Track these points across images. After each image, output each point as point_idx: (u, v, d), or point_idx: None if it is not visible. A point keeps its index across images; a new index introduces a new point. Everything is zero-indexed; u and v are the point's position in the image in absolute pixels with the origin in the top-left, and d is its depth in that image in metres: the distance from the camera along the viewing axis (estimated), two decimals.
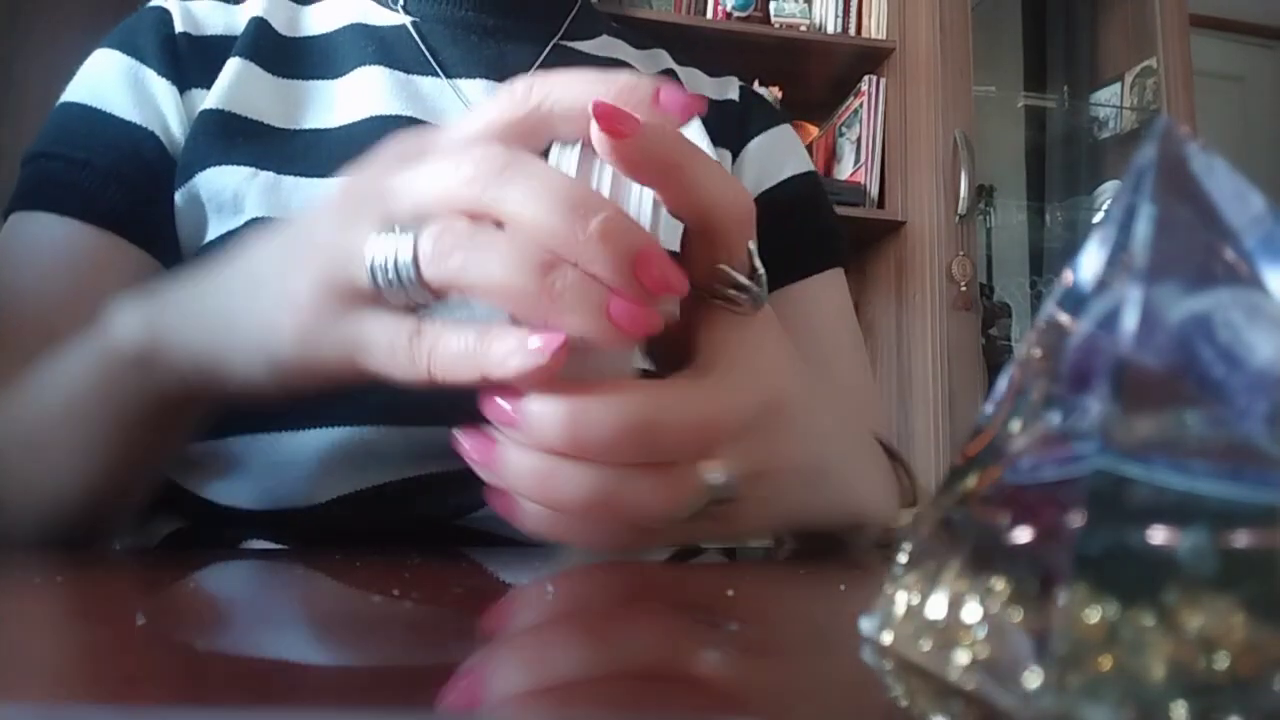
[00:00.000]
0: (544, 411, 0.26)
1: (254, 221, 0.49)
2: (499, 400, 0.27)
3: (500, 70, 0.58)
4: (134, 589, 0.28)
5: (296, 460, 0.45)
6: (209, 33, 0.56)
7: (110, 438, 0.39)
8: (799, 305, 0.62)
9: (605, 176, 0.29)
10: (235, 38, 0.56)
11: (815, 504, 0.36)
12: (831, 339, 0.62)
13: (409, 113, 0.53)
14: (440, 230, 0.27)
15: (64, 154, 0.51)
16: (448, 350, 0.28)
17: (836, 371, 0.61)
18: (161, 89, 0.53)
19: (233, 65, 0.54)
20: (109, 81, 0.53)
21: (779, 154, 0.66)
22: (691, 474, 0.28)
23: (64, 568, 0.32)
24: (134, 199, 0.51)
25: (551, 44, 0.61)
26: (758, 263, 0.30)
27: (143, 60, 0.54)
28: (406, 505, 0.46)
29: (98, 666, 0.17)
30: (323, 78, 0.56)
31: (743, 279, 0.30)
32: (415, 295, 0.28)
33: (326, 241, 0.30)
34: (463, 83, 0.57)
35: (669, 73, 0.67)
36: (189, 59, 0.55)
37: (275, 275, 0.32)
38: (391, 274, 0.28)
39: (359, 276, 0.29)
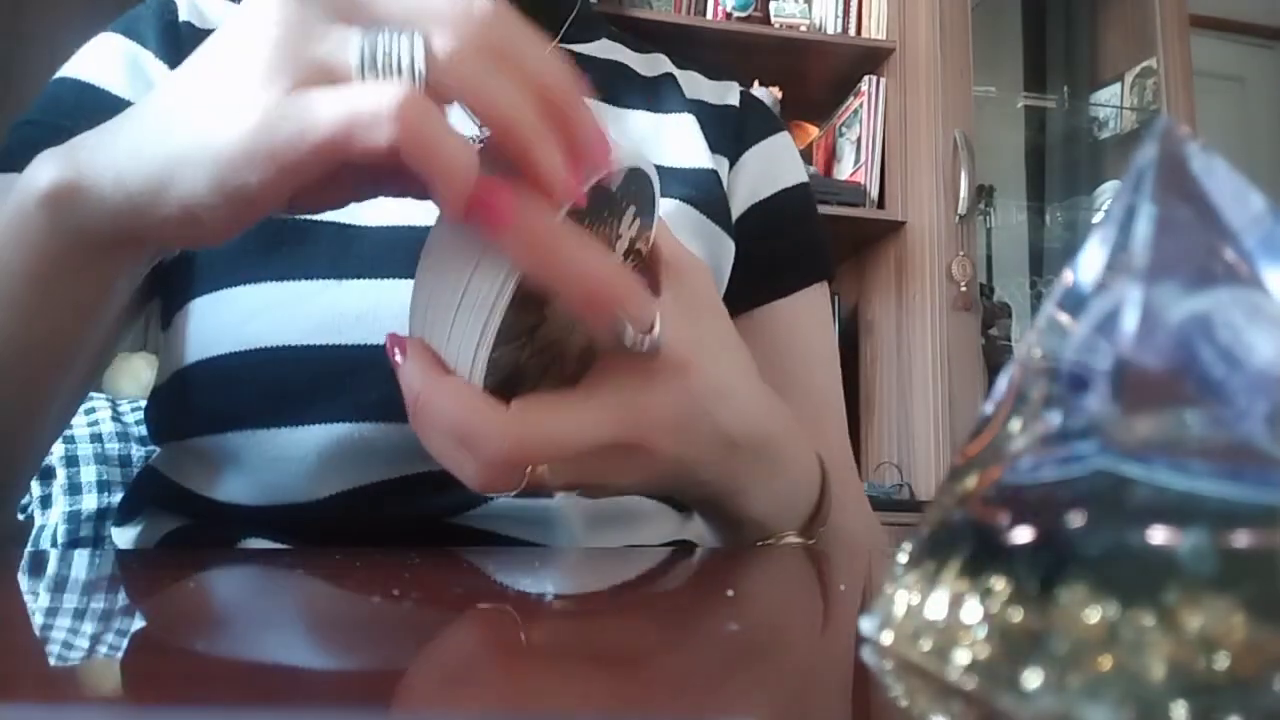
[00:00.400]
0: (407, 374, 0.31)
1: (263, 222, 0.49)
2: (395, 346, 0.31)
3: None
4: (133, 588, 0.28)
5: (295, 456, 0.45)
6: (213, 26, 0.56)
7: (22, 296, 0.36)
8: (780, 322, 0.63)
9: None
10: None
11: (675, 492, 0.39)
12: (805, 357, 0.63)
13: None
14: (459, 35, 0.28)
15: (50, 122, 0.51)
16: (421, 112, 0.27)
17: (808, 387, 0.62)
18: (159, 73, 0.53)
19: None
20: (106, 61, 0.53)
21: (773, 165, 0.66)
22: (513, 471, 0.31)
23: (62, 567, 0.32)
24: None
25: (549, 49, 0.61)
26: (627, 335, 0.32)
27: (143, 44, 0.54)
28: (405, 502, 0.46)
29: (98, 667, 0.17)
30: None
31: (607, 342, 0.32)
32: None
33: (290, 29, 0.28)
34: None
35: (668, 76, 0.67)
36: (190, 48, 0.55)
37: (225, 71, 0.29)
38: (389, 66, 0.27)
39: (339, 64, 0.28)
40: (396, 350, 0.31)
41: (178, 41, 0.54)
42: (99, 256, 0.35)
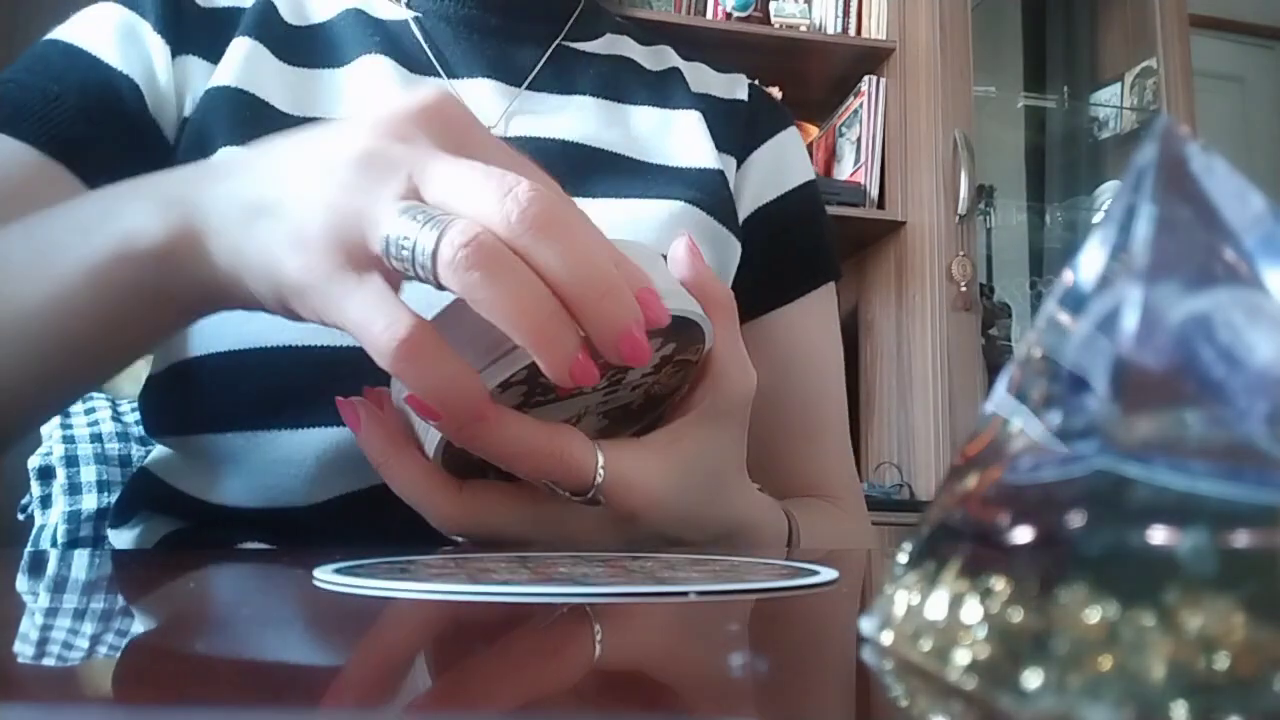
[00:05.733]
0: (367, 444, 0.36)
1: None
2: (350, 413, 0.36)
3: (503, 70, 0.58)
4: (132, 589, 0.28)
5: (295, 459, 0.45)
6: (216, 5, 0.56)
7: (77, 333, 0.36)
8: (785, 329, 0.63)
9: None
10: (242, 10, 0.56)
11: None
12: (809, 365, 0.64)
13: None
14: (468, 240, 0.28)
15: (38, 85, 0.50)
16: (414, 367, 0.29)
17: (810, 398, 0.63)
18: (156, 45, 0.53)
19: (243, 44, 0.54)
20: (101, 29, 0.53)
21: (780, 165, 0.66)
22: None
23: (60, 567, 0.32)
24: (100, 140, 0.50)
25: (554, 45, 0.61)
26: (562, 494, 0.35)
27: (142, 15, 0.54)
28: (406, 507, 0.46)
29: (98, 667, 0.17)
30: (327, 66, 0.56)
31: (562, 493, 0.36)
32: (423, 280, 0.30)
33: (347, 195, 0.30)
34: (464, 83, 0.57)
35: (674, 71, 0.66)
36: (191, 25, 0.54)
37: (294, 199, 0.31)
38: (405, 256, 0.29)
39: (371, 243, 0.30)
40: (355, 416, 0.35)
41: (179, 17, 0.54)
42: (193, 307, 0.36)
